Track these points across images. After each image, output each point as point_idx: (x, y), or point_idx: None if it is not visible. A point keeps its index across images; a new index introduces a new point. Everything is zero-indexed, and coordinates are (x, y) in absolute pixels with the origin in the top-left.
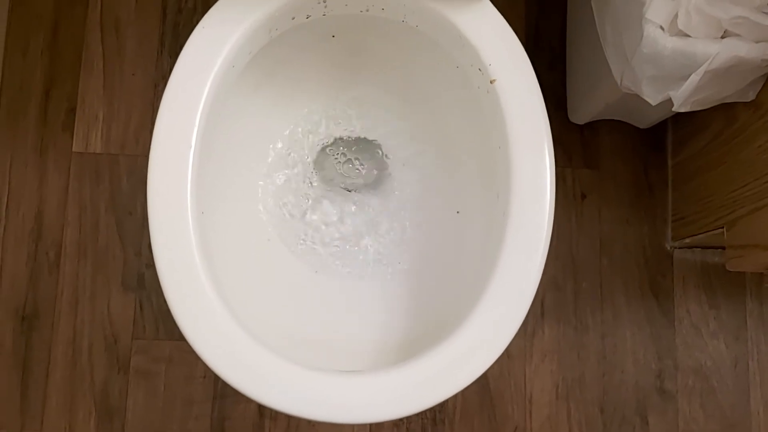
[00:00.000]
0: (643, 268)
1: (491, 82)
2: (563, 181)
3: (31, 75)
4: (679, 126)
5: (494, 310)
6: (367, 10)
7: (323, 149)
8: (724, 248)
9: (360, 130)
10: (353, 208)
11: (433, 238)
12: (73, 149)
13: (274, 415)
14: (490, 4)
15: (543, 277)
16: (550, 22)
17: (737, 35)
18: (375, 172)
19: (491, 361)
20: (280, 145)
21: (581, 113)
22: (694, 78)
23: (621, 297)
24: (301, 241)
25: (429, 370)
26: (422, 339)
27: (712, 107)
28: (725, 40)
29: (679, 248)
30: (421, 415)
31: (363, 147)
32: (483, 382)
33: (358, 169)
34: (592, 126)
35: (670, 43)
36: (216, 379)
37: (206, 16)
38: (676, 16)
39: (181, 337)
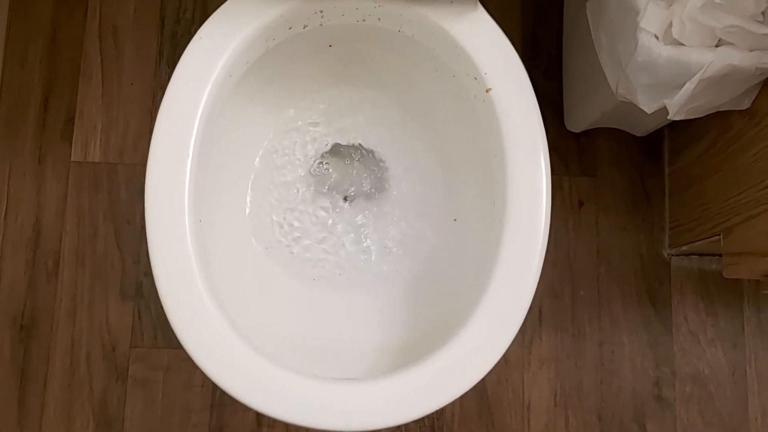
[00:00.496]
0: (640, 276)
1: (487, 91)
2: (560, 189)
3: (30, 84)
4: (676, 134)
5: (491, 317)
6: (364, 20)
7: (321, 158)
8: (721, 255)
9: (358, 138)
10: (351, 216)
11: (431, 245)
12: (72, 158)
13: (272, 423)
14: (486, 14)
15: (540, 285)
16: (547, 30)
17: (731, 44)
18: (373, 180)
19: (488, 367)
20: (277, 154)
21: (578, 121)
22: (689, 86)
23: (618, 304)
24: (297, 250)
25: (426, 377)
26: (420, 346)
27: (707, 115)
28: (719, 48)
29: (677, 256)
30: (420, 423)
31: (361, 155)
32: (481, 389)
33: (355, 177)
34: (589, 134)
35: (664, 51)
36: (214, 388)
37: (203, 26)
38: (671, 25)
39: (179, 346)
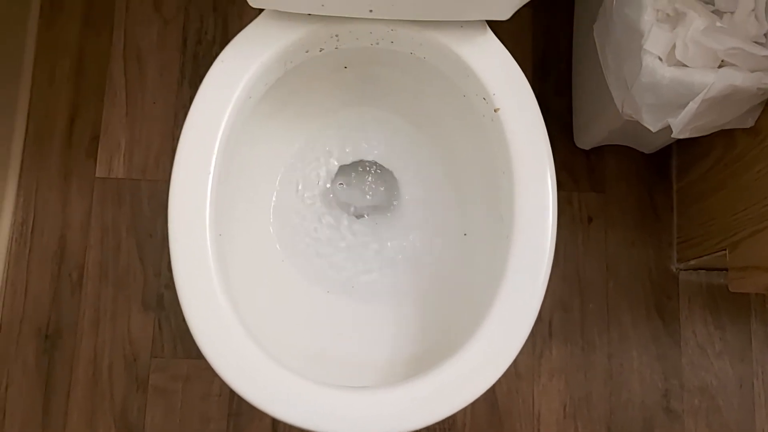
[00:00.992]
0: (649, 290)
1: (495, 111)
2: (570, 205)
3: (57, 103)
4: (683, 151)
5: (498, 329)
6: (377, 44)
7: (336, 174)
8: (727, 270)
9: (371, 155)
10: (365, 231)
11: (442, 259)
12: (96, 174)
13: (287, 431)
14: (494, 37)
15: (550, 298)
16: (557, 51)
17: (733, 65)
18: (386, 196)
19: (495, 378)
20: (294, 171)
21: (587, 139)
22: (692, 106)
23: (627, 318)
24: (313, 263)
25: (436, 386)
26: (431, 357)
27: (713, 133)
28: (721, 69)
29: (685, 270)
30: (430, 431)
31: (374, 172)
32: (492, 400)
33: (369, 193)
34: (599, 151)
35: (668, 72)
36: (231, 397)
37: (224, 50)
38: (674, 47)
39: (198, 356)
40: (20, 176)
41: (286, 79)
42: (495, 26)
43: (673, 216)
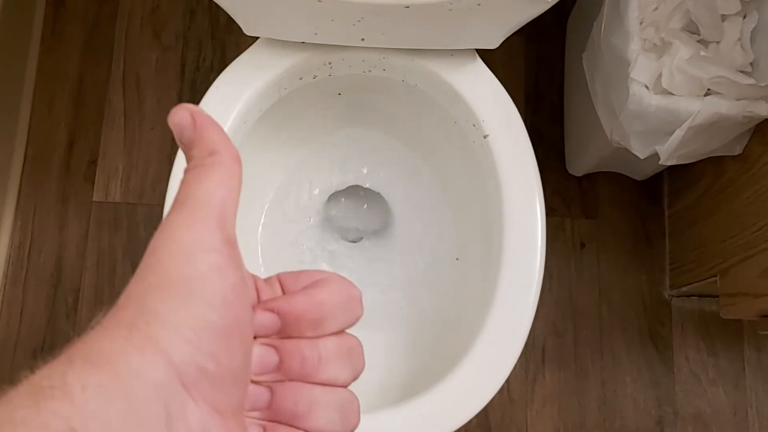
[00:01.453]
0: (642, 316)
1: (485, 137)
2: (563, 231)
3: (56, 128)
4: (675, 178)
5: (487, 353)
6: (370, 71)
7: (329, 199)
8: (719, 296)
9: (364, 180)
10: (358, 255)
11: (434, 283)
12: (94, 198)
13: None
14: (483, 65)
15: (543, 324)
16: (550, 79)
17: (718, 93)
18: (379, 221)
19: (484, 402)
20: (287, 195)
21: (579, 165)
22: (679, 133)
23: (621, 344)
24: None
25: (426, 410)
26: (422, 381)
27: (704, 161)
28: (707, 98)
29: (677, 296)
30: None
31: (368, 197)
32: (485, 426)
33: (363, 218)
34: (591, 178)
35: (654, 100)
36: None
37: (220, 76)
38: (660, 75)
39: None
40: (18, 200)
41: (280, 105)
42: (488, 56)
43: (666, 242)
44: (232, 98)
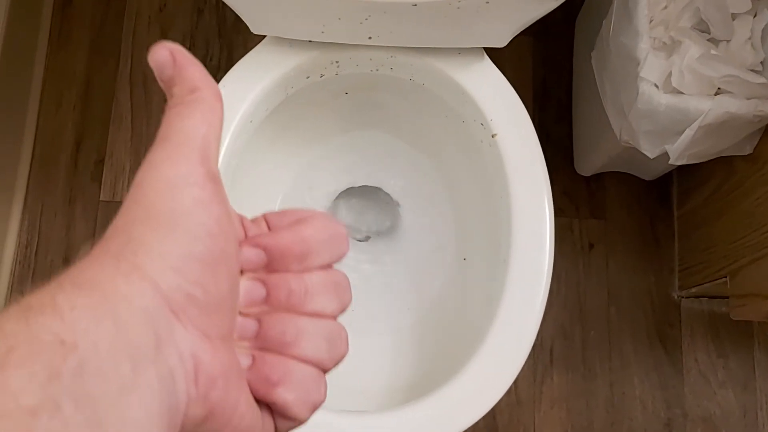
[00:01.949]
0: (650, 317)
1: (493, 137)
2: (571, 232)
3: (64, 128)
4: (684, 178)
5: (495, 355)
6: (377, 70)
7: (336, 199)
8: (728, 297)
9: (372, 180)
10: (364, 256)
11: (441, 284)
12: (101, 198)
13: None
14: (491, 64)
15: (551, 326)
16: (558, 78)
17: (729, 92)
18: (386, 221)
19: (491, 404)
20: (294, 196)
21: (587, 165)
22: (689, 133)
23: (629, 345)
24: None
25: (433, 411)
26: (428, 382)
27: (713, 161)
28: (717, 97)
29: (686, 298)
30: None
31: (375, 197)
32: (492, 428)
33: (369, 218)
34: (599, 178)
35: (664, 99)
36: None
37: (227, 75)
38: (670, 74)
39: None
40: (26, 199)
41: (287, 105)
42: (496, 55)
43: (675, 243)
44: (238, 97)
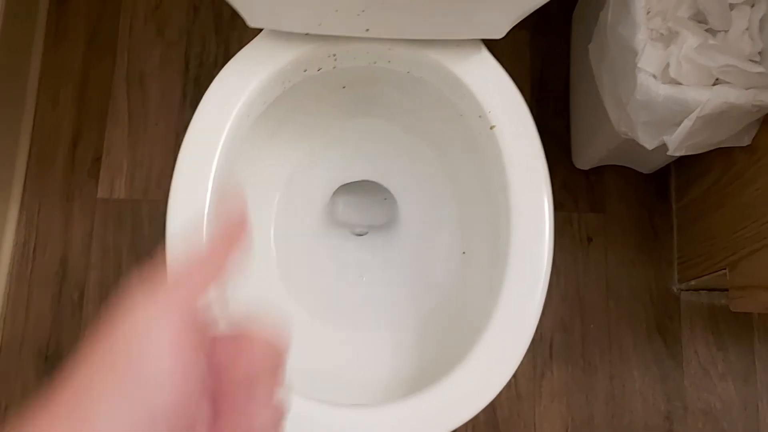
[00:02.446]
0: (650, 310)
1: (491, 128)
2: (570, 225)
3: (60, 125)
4: (682, 171)
5: (495, 348)
6: (375, 63)
7: (335, 193)
8: (728, 290)
9: (371, 174)
10: (365, 250)
11: (441, 278)
12: (98, 195)
13: None
14: (490, 55)
15: (551, 319)
16: (555, 71)
17: (727, 83)
18: (386, 215)
19: (491, 397)
20: (293, 190)
21: (585, 159)
22: (687, 123)
23: (629, 338)
24: (314, 285)
25: (433, 404)
26: (430, 377)
27: (711, 152)
28: (715, 87)
29: (686, 290)
30: None
31: (374, 191)
32: (493, 422)
33: (369, 212)
34: (598, 171)
35: (662, 90)
36: None
37: (224, 69)
38: (668, 65)
39: None
40: (23, 197)
41: (284, 98)
42: (494, 49)
43: (673, 236)
44: (235, 90)
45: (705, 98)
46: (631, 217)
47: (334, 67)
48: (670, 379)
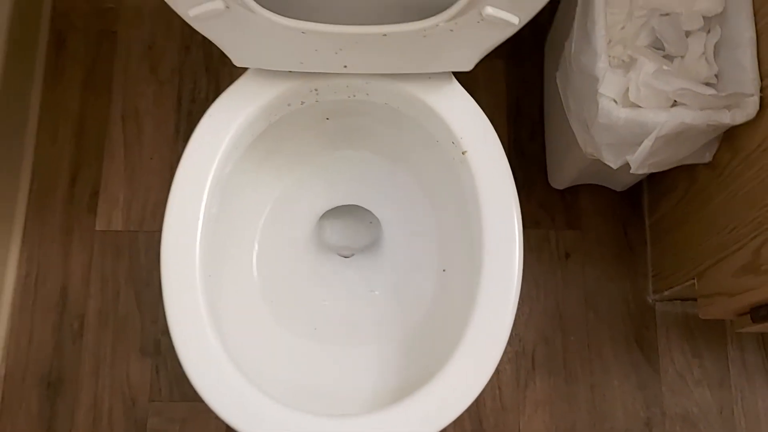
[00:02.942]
0: (627, 321)
1: (463, 153)
2: (548, 242)
3: (59, 162)
4: (653, 188)
5: (472, 353)
6: (355, 96)
7: (321, 218)
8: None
9: (354, 199)
10: (349, 271)
11: (423, 295)
12: (96, 228)
13: None
14: (459, 86)
15: (533, 332)
16: (530, 97)
17: (684, 105)
18: (370, 237)
19: (468, 403)
20: (280, 216)
21: (560, 179)
22: (647, 143)
23: (608, 349)
24: (300, 304)
25: (414, 411)
26: (414, 386)
27: (678, 170)
28: (672, 109)
29: (660, 301)
30: None
31: (358, 215)
32: None
33: (353, 235)
34: (573, 190)
35: (623, 113)
36: None
37: (213, 105)
38: (628, 90)
39: (194, 398)
40: (24, 231)
41: (271, 131)
42: (472, 78)
43: (647, 249)
44: (224, 125)
45: (663, 120)
46: (607, 233)
47: (317, 101)
48: (648, 386)
